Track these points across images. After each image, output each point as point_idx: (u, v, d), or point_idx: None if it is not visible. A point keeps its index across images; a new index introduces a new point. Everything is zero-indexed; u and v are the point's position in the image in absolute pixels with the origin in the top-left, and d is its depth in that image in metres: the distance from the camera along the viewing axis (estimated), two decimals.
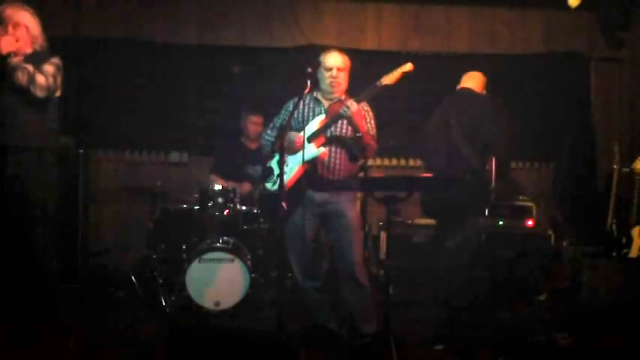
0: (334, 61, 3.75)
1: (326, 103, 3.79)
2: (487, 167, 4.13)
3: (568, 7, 5.56)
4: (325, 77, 3.75)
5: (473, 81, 4.52)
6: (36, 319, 3.51)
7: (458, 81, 4.61)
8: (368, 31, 6.19)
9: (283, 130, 3.62)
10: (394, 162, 6.26)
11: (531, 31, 6.29)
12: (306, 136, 3.66)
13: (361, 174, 4.22)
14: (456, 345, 3.85)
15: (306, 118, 3.79)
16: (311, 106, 3.82)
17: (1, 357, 3.31)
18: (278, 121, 3.89)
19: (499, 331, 4.14)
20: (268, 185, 3.81)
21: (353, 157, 3.80)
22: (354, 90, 3.77)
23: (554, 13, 6.19)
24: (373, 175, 5.41)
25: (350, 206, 3.80)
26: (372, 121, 3.82)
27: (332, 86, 3.75)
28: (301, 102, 3.82)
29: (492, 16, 6.27)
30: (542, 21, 6.29)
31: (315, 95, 3.84)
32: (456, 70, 4.84)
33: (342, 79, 3.77)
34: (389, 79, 3.55)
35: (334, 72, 3.73)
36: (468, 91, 4.48)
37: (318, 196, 3.74)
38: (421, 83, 5.92)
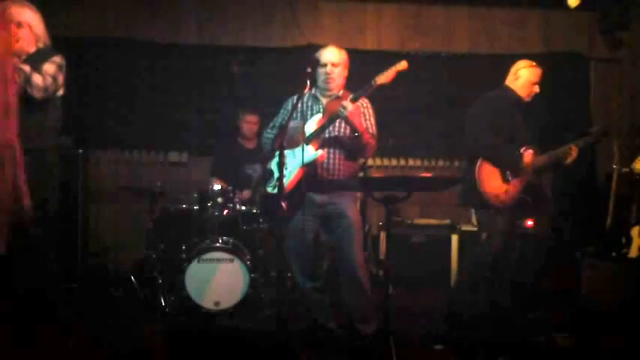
0: (328, 56, 3.75)
1: (324, 101, 3.79)
2: (475, 169, 4.14)
3: (568, 7, 5.56)
4: (320, 73, 3.74)
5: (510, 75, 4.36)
6: (36, 319, 3.51)
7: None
8: (368, 31, 6.19)
9: (282, 130, 3.62)
10: (394, 162, 6.26)
11: (531, 31, 6.29)
12: (304, 138, 3.65)
13: (361, 174, 4.23)
14: (456, 345, 3.85)
15: (304, 117, 3.78)
16: (309, 104, 3.82)
17: (1, 357, 3.31)
18: (278, 120, 3.88)
19: (499, 331, 4.14)
20: (269, 188, 3.79)
21: (352, 157, 3.79)
22: (352, 89, 3.77)
23: (554, 13, 6.19)
24: (373, 175, 5.41)
25: (351, 207, 3.80)
26: (372, 119, 3.80)
27: (327, 82, 3.75)
28: (300, 101, 3.81)
29: (492, 16, 6.27)
30: (542, 21, 6.29)
31: (313, 93, 3.83)
32: (455, 70, 4.84)
33: (337, 75, 3.75)
34: (384, 77, 3.53)
35: (329, 67, 3.73)
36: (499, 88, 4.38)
37: (319, 198, 3.73)
38: (421, 83, 5.92)
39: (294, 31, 6.04)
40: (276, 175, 3.68)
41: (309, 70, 3.51)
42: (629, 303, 4.28)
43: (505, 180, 4.13)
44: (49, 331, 3.52)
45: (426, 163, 6.30)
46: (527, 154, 4.16)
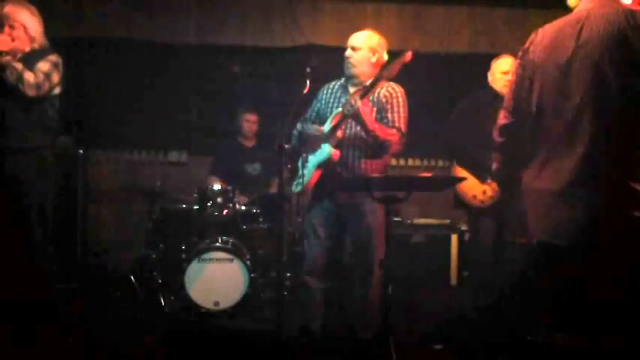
0: (351, 39, 3.59)
1: (352, 90, 3.60)
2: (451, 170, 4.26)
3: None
4: (344, 59, 3.58)
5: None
6: (36, 319, 3.51)
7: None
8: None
9: (284, 130, 3.57)
10: (394, 162, 6.26)
11: (531, 31, 6.23)
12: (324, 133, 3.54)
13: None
14: (456, 345, 3.85)
15: (330, 109, 3.64)
16: (337, 95, 3.66)
17: (1, 357, 3.31)
18: (309, 112, 3.76)
19: (499, 331, 4.14)
20: (293, 187, 3.62)
21: (374, 155, 3.61)
22: None
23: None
24: (373, 175, 5.40)
25: (371, 207, 3.56)
26: (402, 109, 3.54)
27: (347, 68, 3.58)
28: (326, 92, 3.69)
29: (492, 16, 6.27)
30: (542, 21, 6.25)
31: (342, 83, 3.67)
32: (455, 70, 4.84)
33: (358, 60, 3.54)
34: (389, 71, 3.44)
35: (349, 51, 3.56)
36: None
37: (338, 197, 3.60)
38: (421, 83, 5.92)
39: (294, 31, 6.04)
40: (300, 173, 3.58)
41: (309, 70, 3.46)
42: (628, 303, 4.28)
43: (482, 180, 4.11)
44: (49, 331, 3.52)
45: (425, 163, 6.31)
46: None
